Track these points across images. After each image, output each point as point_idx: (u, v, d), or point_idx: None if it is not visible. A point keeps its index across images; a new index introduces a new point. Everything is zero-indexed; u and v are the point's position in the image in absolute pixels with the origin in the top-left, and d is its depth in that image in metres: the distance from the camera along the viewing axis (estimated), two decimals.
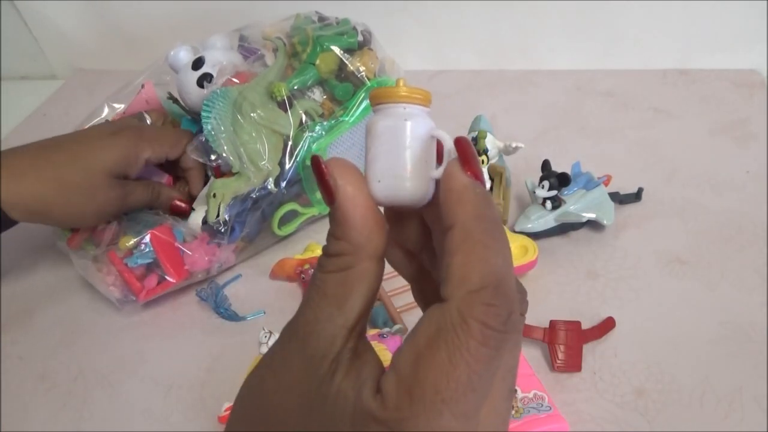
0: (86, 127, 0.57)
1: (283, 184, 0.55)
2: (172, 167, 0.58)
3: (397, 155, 0.22)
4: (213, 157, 0.53)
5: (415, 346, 0.19)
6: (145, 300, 0.54)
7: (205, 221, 0.53)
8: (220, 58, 0.56)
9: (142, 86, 0.62)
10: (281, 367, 0.21)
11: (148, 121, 0.58)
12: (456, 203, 0.21)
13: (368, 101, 0.57)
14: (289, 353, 0.21)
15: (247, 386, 0.23)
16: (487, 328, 0.19)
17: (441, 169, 0.22)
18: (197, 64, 0.56)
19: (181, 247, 0.54)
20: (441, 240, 0.21)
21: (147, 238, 0.52)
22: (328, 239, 0.22)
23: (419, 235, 0.25)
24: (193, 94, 0.55)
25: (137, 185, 0.54)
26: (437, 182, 0.22)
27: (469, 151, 0.22)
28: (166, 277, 0.53)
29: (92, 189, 0.51)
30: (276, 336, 0.49)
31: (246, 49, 0.59)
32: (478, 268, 0.19)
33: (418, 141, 0.22)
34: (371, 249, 0.22)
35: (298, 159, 0.55)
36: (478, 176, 0.21)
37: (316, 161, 0.22)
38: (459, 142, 0.22)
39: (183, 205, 0.56)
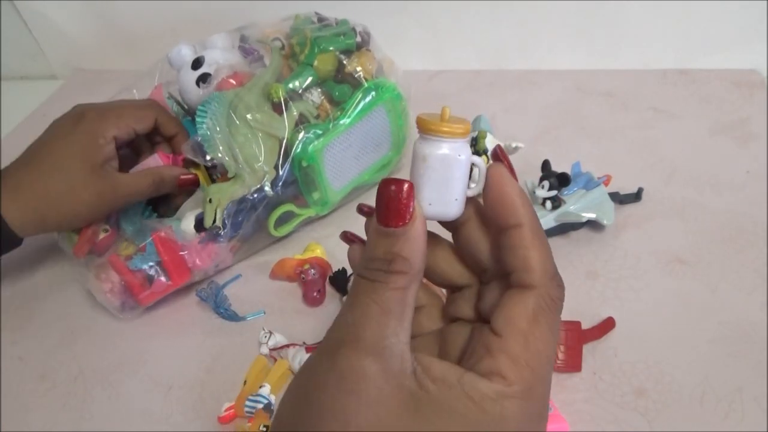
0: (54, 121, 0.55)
1: (279, 185, 0.55)
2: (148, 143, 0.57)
3: (448, 184, 0.25)
4: (208, 158, 0.53)
5: (518, 329, 0.23)
6: (148, 304, 0.54)
7: (197, 225, 0.53)
8: (219, 57, 0.56)
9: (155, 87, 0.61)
10: (361, 386, 0.22)
11: None
12: (522, 205, 0.24)
13: (368, 104, 0.57)
14: (364, 370, 0.22)
15: (315, 409, 0.22)
16: (561, 302, 0.25)
17: (476, 187, 0.26)
18: (197, 63, 0.56)
19: (184, 247, 0.53)
20: (483, 233, 0.26)
21: (150, 242, 0.52)
22: (393, 257, 0.23)
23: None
24: (193, 93, 0.56)
25: (133, 175, 0.53)
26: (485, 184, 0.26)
27: (508, 157, 0.26)
28: (170, 279, 0.53)
29: (75, 190, 0.50)
30: (276, 336, 0.49)
31: (245, 49, 0.59)
32: (549, 261, 0.25)
33: (465, 170, 0.25)
34: (422, 272, 0.24)
35: (292, 161, 0.55)
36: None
37: (399, 184, 0.23)
38: (500, 151, 0.26)
39: (189, 175, 0.55)
